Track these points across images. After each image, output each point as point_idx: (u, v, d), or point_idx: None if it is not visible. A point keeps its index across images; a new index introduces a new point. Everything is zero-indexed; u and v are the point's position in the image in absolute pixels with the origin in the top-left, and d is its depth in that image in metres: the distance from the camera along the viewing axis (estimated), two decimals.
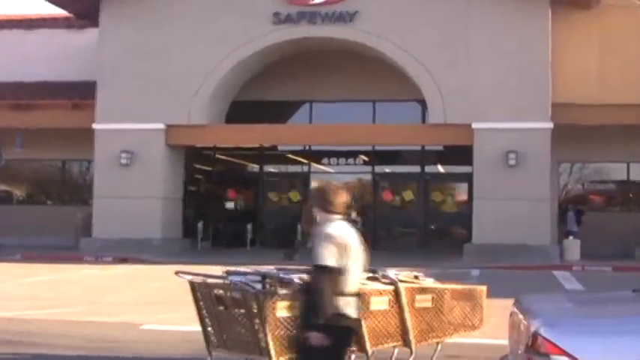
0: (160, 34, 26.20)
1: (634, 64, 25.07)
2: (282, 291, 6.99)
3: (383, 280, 7.78)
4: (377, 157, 29.66)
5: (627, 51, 25.37)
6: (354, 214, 23.83)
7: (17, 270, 20.54)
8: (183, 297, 8.46)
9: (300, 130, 28.03)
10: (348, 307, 5.83)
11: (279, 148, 30.37)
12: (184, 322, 10.63)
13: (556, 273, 21.23)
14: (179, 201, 27.45)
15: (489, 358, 8.81)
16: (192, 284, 7.69)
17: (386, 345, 7.83)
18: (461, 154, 26.00)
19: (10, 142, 27.23)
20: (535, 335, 5.51)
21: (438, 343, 8.39)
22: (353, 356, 7.44)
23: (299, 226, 26.56)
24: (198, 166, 31.04)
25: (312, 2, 25.70)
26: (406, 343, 7.87)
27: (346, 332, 5.91)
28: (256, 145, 29.54)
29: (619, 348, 5.30)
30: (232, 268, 7.77)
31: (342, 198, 6.05)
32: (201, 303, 7.65)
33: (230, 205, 30.81)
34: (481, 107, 24.68)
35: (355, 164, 29.85)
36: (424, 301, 8.01)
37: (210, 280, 7.58)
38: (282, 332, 6.96)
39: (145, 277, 19.10)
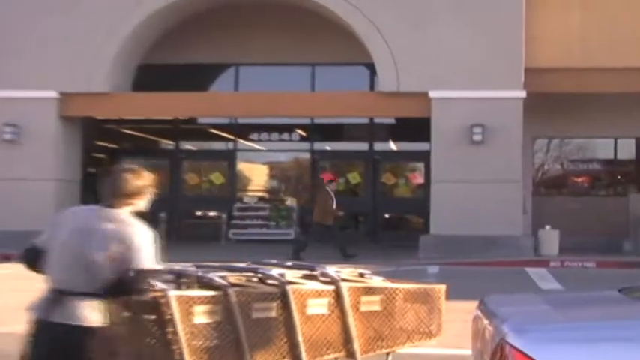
0: None
1: (621, 22, 25.25)
2: (201, 292, 6.96)
3: (322, 279, 7.77)
4: (316, 131, 29.74)
5: (614, 6, 25.54)
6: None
7: None
8: None
9: (224, 100, 27.81)
10: None
11: (199, 121, 30.30)
12: None
13: (530, 270, 21.50)
14: (76, 184, 27.15)
15: None
16: None
17: (325, 357, 7.84)
18: (417, 128, 26.15)
19: None
20: (502, 343, 5.51)
21: (388, 354, 8.41)
22: None
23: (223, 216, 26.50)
24: (99, 143, 30.89)
25: None
26: (350, 353, 7.87)
27: None
28: (170, 118, 29.39)
29: (602, 358, 5.28)
30: None
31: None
32: None
33: None
34: (441, 73, 24.72)
35: (290, 140, 29.94)
36: (371, 303, 8.01)
37: None
38: (200, 342, 6.94)
39: (33, 277, 18.77)
